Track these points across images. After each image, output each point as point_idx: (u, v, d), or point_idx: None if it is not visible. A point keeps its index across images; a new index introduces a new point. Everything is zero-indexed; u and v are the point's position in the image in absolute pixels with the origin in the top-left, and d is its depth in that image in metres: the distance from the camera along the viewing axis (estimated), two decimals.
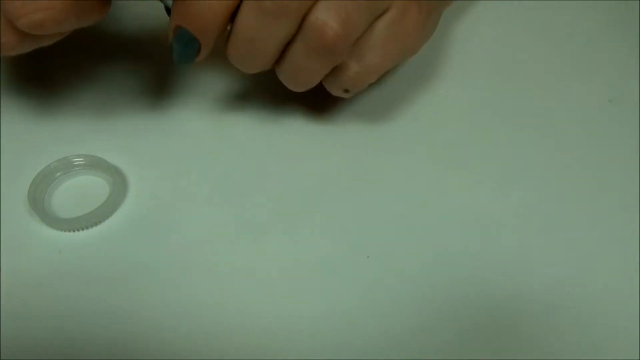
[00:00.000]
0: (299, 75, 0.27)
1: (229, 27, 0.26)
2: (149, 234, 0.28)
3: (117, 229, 0.28)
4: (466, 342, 0.25)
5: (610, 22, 0.40)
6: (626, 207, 0.30)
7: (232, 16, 0.25)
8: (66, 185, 0.29)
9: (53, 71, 0.34)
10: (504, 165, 0.31)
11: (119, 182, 0.28)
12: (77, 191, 0.29)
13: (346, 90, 0.29)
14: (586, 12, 0.41)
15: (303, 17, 0.25)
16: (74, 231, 0.27)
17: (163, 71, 0.35)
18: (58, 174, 0.29)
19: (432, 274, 0.27)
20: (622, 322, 0.26)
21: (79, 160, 0.29)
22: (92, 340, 0.24)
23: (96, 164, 0.29)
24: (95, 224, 0.28)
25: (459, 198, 0.30)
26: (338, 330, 0.25)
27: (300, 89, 0.29)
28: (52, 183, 0.29)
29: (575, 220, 0.29)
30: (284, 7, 0.24)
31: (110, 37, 0.36)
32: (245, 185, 0.29)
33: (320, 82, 0.29)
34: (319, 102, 0.33)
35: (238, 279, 0.26)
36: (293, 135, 0.32)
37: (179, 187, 0.29)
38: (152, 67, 0.35)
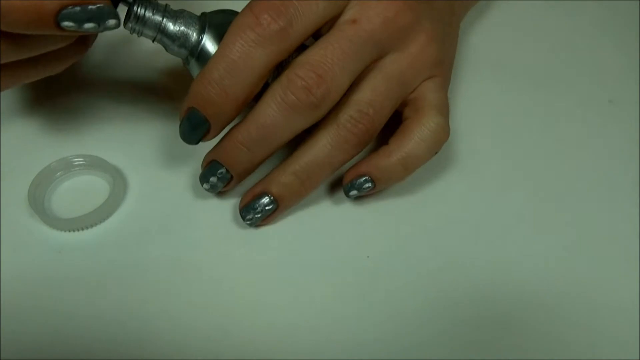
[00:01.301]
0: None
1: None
2: (149, 234, 0.28)
3: (117, 229, 0.28)
4: (466, 341, 0.25)
5: (610, 22, 0.40)
6: (626, 207, 0.30)
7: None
8: (66, 185, 0.29)
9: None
10: (504, 165, 0.31)
11: (119, 182, 0.28)
12: (77, 191, 0.29)
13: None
14: (586, 12, 0.41)
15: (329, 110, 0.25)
16: (73, 231, 0.27)
17: (164, 72, 0.35)
18: (58, 174, 0.29)
19: (432, 273, 0.27)
20: (622, 322, 0.26)
21: (79, 161, 0.29)
22: (92, 339, 0.24)
23: (96, 164, 0.29)
24: (95, 224, 0.28)
25: (458, 198, 0.30)
26: (338, 330, 0.25)
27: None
28: (52, 183, 0.29)
29: (575, 219, 0.29)
30: (308, 103, 0.24)
31: (111, 37, 0.36)
32: (245, 185, 0.29)
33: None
34: None
35: (238, 279, 0.26)
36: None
37: (179, 188, 0.29)
38: (153, 67, 0.35)
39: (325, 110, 0.25)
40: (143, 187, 0.29)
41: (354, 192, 0.27)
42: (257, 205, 0.27)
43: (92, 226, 0.28)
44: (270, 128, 0.25)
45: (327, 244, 0.28)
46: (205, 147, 0.27)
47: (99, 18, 0.22)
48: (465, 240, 0.28)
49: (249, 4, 0.24)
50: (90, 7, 0.21)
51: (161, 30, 0.25)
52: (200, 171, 0.28)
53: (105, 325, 0.25)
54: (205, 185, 0.27)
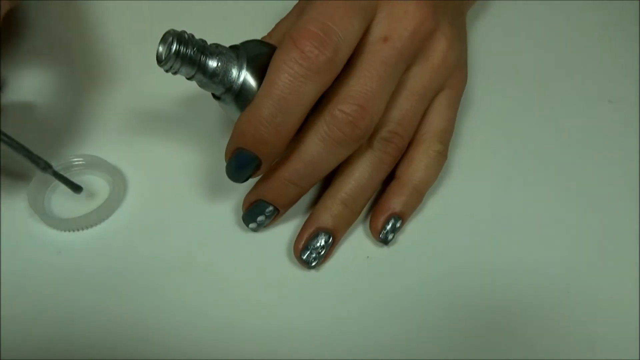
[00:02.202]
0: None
1: None
2: (149, 234, 0.28)
3: (116, 229, 0.28)
4: (466, 341, 0.25)
5: (610, 22, 0.40)
6: (626, 207, 0.30)
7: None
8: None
9: (54, 72, 0.34)
10: (503, 164, 0.31)
11: (119, 183, 0.28)
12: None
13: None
14: (586, 12, 0.41)
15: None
16: (73, 231, 0.27)
17: (164, 73, 0.35)
18: None
19: (432, 273, 0.27)
20: (622, 322, 0.26)
21: (79, 161, 0.29)
22: (92, 339, 0.24)
23: (96, 164, 0.29)
24: (95, 224, 0.28)
25: (458, 198, 0.30)
26: (337, 330, 0.25)
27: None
28: (52, 183, 0.29)
29: (575, 219, 0.29)
30: (354, 136, 0.24)
31: (112, 37, 0.36)
32: (245, 186, 0.29)
33: None
34: None
35: (238, 279, 0.26)
36: None
37: (179, 188, 0.29)
38: (153, 68, 0.35)
39: (367, 137, 0.25)
40: (143, 187, 0.29)
41: (391, 236, 0.27)
42: (316, 244, 0.26)
43: (91, 226, 0.28)
44: (318, 164, 0.25)
45: None
46: (203, 156, 0.27)
47: None
48: (466, 240, 0.28)
49: (288, 34, 0.23)
50: None
51: (200, 68, 0.23)
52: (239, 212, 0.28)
53: (105, 325, 0.25)
54: (252, 225, 0.27)
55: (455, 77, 0.29)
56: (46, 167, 0.25)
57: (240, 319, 0.25)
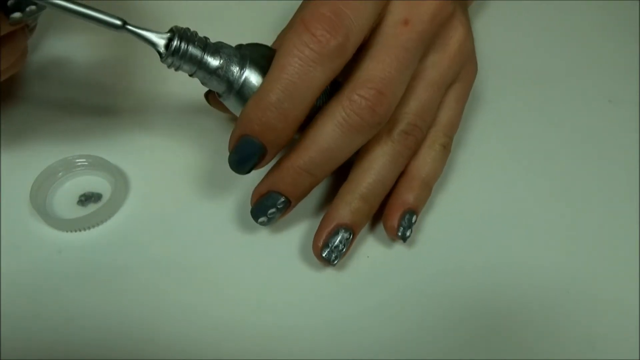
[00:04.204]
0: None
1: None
2: (150, 235, 0.28)
3: (118, 230, 0.28)
4: (466, 341, 0.25)
5: (610, 22, 0.40)
6: (626, 207, 0.30)
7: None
8: (68, 186, 0.29)
9: (55, 71, 0.34)
10: (503, 165, 0.31)
11: (120, 183, 0.29)
12: (79, 191, 0.29)
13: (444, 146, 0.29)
14: (586, 12, 0.41)
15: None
16: (74, 231, 0.27)
17: (165, 73, 0.35)
18: (60, 174, 0.29)
19: (432, 273, 0.27)
20: (623, 322, 0.26)
21: (81, 161, 0.29)
22: (92, 339, 0.24)
23: (98, 164, 0.29)
24: (97, 225, 0.28)
25: (458, 198, 0.30)
26: (337, 330, 0.25)
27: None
28: (54, 183, 0.29)
29: (574, 219, 0.29)
30: (373, 122, 0.24)
31: (114, 38, 0.36)
32: (246, 186, 0.29)
33: None
34: None
35: (238, 280, 0.26)
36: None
37: (181, 188, 0.29)
38: (154, 68, 0.35)
39: (384, 123, 0.24)
40: (145, 188, 0.29)
41: (409, 232, 0.27)
42: (336, 241, 0.25)
43: (93, 227, 0.28)
44: (334, 151, 0.24)
45: None
46: (206, 157, 0.27)
47: None
48: (467, 240, 0.28)
49: (300, 17, 0.23)
50: None
51: (202, 66, 0.23)
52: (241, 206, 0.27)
53: (105, 325, 0.25)
54: (262, 219, 0.26)
55: (467, 69, 0.29)
56: None
57: (240, 319, 0.25)
